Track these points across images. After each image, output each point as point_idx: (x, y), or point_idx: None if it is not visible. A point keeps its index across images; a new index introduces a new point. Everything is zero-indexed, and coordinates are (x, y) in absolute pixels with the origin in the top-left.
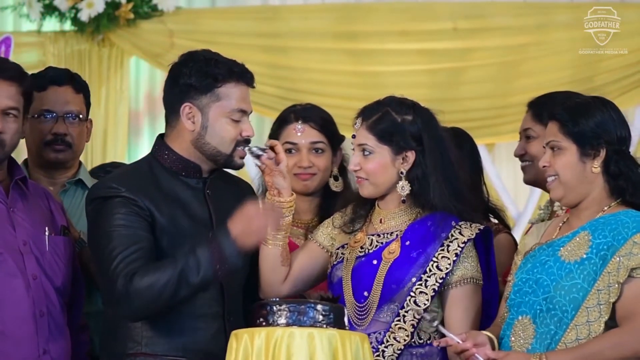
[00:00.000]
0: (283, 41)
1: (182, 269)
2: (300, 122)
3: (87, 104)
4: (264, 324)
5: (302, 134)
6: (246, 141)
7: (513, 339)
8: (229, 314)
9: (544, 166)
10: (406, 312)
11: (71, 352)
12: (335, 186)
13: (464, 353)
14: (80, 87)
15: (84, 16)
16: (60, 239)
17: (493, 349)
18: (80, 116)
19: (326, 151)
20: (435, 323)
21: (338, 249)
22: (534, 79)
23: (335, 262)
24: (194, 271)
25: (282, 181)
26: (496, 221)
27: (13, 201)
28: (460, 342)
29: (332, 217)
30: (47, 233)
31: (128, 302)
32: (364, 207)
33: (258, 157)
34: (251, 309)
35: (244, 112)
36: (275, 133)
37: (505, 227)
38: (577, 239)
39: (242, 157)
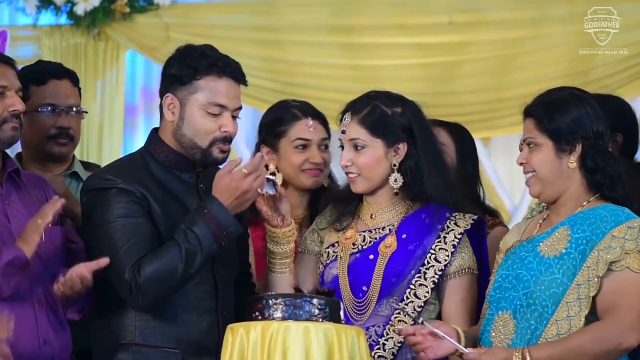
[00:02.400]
0: (279, 35)
1: (185, 248)
2: (309, 118)
3: (80, 97)
4: (259, 317)
5: (314, 130)
6: (225, 139)
7: (493, 334)
8: (222, 308)
9: (521, 163)
10: (406, 304)
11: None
12: (325, 181)
13: (415, 346)
14: (76, 80)
15: (79, 10)
16: (57, 228)
17: (459, 341)
18: (79, 109)
19: (328, 147)
20: (420, 320)
21: (328, 247)
22: (530, 73)
23: (328, 261)
24: (197, 248)
25: (287, 205)
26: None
27: (7, 193)
28: (445, 335)
29: (314, 222)
30: None
31: (141, 292)
32: (352, 203)
33: (274, 185)
34: (246, 303)
35: (223, 107)
36: (281, 132)
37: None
38: (557, 234)
39: (224, 152)
